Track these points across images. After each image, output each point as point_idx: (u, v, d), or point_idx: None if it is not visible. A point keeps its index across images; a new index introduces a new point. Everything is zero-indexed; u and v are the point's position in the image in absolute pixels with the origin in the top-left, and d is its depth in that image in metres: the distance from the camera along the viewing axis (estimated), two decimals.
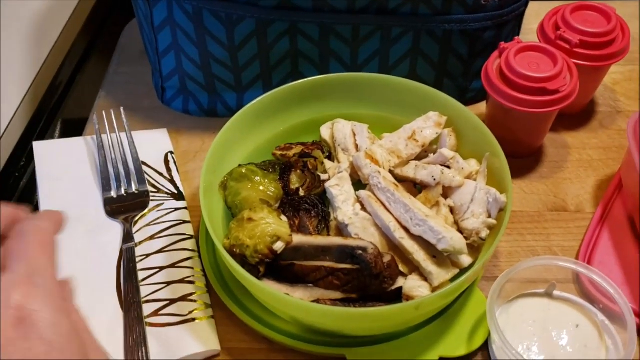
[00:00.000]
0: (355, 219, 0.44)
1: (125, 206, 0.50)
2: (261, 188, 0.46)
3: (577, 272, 0.43)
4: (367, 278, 0.41)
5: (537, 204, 0.50)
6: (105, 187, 0.51)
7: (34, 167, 0.53)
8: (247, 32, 0.50)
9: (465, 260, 0.43)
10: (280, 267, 0.43)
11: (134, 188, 0.51)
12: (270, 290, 0.39)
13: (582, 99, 0.55)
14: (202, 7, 0.48)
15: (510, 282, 0.43)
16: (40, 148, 0.53)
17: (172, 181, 0.53)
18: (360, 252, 0.42)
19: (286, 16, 0.49)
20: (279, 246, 0.43)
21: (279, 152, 0.50)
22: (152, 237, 0.48)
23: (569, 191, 0.51)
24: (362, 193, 0.45)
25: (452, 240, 0.42)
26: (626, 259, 0.46)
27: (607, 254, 0.46)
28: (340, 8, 0.48)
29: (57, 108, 0.61)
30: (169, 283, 0.46)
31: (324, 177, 0.48)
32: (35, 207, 0.51)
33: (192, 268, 0.47)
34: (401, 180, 0.48)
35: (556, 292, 0.43)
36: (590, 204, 0.50)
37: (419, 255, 0.43)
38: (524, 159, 0.53)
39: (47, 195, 0.51)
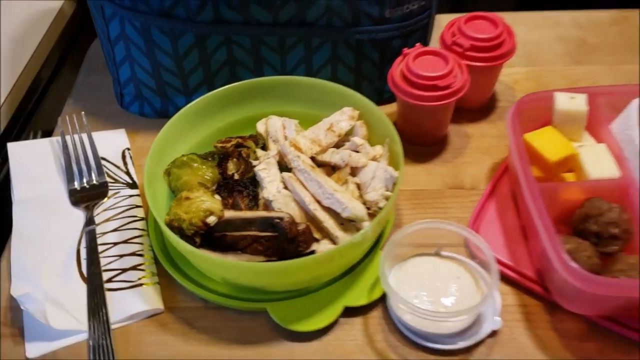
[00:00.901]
0: (278, 195, 0.53)
1: (87, 196, 0.58)
2: (199, 173, 0.55)
3: (459, 234, 0.51)
4: (284, 242, 0.50)
5: (439, 183, 0.59)
6: (69, 180, 0.59)
7: (9, 167, 0.61)
8: (189, 43, 0.58)
9: (367, 226, 0.51)
10: (214, 238, 0.52)
11: (94, 180, 0.59)
12: (200, 254, 0.48)
13: (481, 96, 0.64)
14: (149, 23, 0.57)
15: (405, 246, 0.51)
16: (14, 148, 0.62)
17: (127, 173, 0.61)
18: (277, 220, 0.50)
19: (220, 30, 0.58)
20: (211, 220, 0.51)
21: (219, 145, 0.59)
22: (108, 220, 0.57)
23: (467, 172, 0.60)
24: (285, 174, 0.54)
25: (354, 209, 0.50)
26: (507, 226, 0.54)
27: (491, 223, 0.55)
28: (266, 21, 0.57)
29: (31, 114, 0.69)
30: (121, 256, 0.54)
31: (255, 163, 0.56)
32: (9, 200, 0.59)
33: (141, 244, 0.55)
34: (322, 164, 0.56)
35: (444, 253, 0.52)
36: (484, 183, 0.59)
37: (329, 223, 0.51)
38: (430, 147, 0.62)
39: (20, 189, 0.59)
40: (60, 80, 0.74)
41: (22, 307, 0.49)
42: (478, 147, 0.62)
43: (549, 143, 0.52)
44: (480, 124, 0.64)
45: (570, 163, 0.53)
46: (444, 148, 0.62)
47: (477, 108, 0.65)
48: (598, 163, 0.52)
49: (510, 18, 0.74)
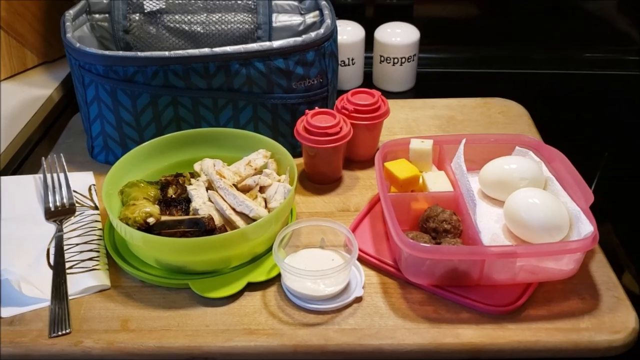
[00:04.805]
0: (204, 206, 0.70)
1: (58, 213, 0.75)
2: (145, 191, 0.73)
3: (337, 230, 0.69)
4: (204, 234, 0.67)
5: (332, 208, 0.77)
6: (46, 202, 0.76)
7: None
8: (145, 102, 0.79)
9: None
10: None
11: (65, 202, 0.77)
12: (140, 233, 0.64)
13: (368, 150, 0.84)
14: (116, 87, 0.78)
15: (297, 244, 0.68)
16: (5, 180, 0.79)
17: (92, 200, 0.78)
18: (200, 218, 0.67)
19: (168, 92, 0.78)
20: (151, 220, 0.68)
21: (163, 178, 0.77)
22: (74, 230, 0.73)
23: (353, 200, 0.78)
24: (210, 192, 0.72)
25: (258, 210, 0.68)
26: (376, 232, 0.72)
27: (365, 230, 0.72)
28: (202, 87, 0.78)
29: (20, 165, 0.88)
30: (81, 252, 0.70)
31: (189, 187, 0.74)
32: None
33: (98, 244, 0.71)
34: (242, 189, 0.75)
35: (327, 247, 0.69)
36: (364, 207, 0.77)
37: (240, 223, 0.69)
38: (329, 184, 0.81)
39: (7, 209, 0.75)
40: (45, 143, 0.93)
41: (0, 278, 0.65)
42: (364, 185, 0.81)
43: (400, 168, 0.72)
44: (368, 170, 0.84)
45: (416, 182, 0.72)
46: (338, 185, 0.81)
47: (365, 160, 0.85)
48: (437, 182, 0.72)
49: (400, 103, 0.97)
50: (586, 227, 0.63)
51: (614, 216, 0.79)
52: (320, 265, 0.65)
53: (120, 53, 0.76)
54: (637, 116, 1.03)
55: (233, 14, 0.89)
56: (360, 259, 0.69)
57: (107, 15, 0.89)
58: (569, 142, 0.86)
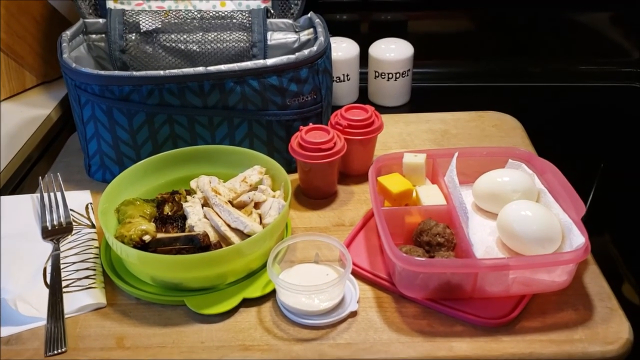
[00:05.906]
0: (199, 222, 0.71)
1: (55, 232, 0.76)
2: (141, 209, 0.73)
3: (331, 245, 0.69)
4: (199, 250, 0.67)
5: (327, 222, 0.78)
6: (43, 221, 0.77)
7: None
8: (141, 121, 0.80)
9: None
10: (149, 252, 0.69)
11: (62, 221, 0.77)
12: (136, 251, 0.65)
13: (363, 165, 0.85)
14: (112, 106, 0.79)
15: (292, 259, 0.69)
16: (4, 200, 0.80)
17: (89, 219, 0.79)
18: (195, 235, 0.68)
19: (164, 110, 0.79)
20: (147, 237, 0.69)
21: (159, 196, 0.77)
22: (71, 248, 0.74)
23: (348, 215, 0.79)
24: (205, 208, 0.72)
25: (252, 226, 0.69)
26: (370, 246, 0.72)
27: (359, 244, 0.73)
28: (198, 105, 0.79)
29: (19, 184, 0.89)
30: (77, 270, 0.70)
31: (185, 204, 0.75)
32: None
33: (94, 263, 0.72)
34: (238, 205, 0.75)
35: (321, 261, 0.69)
36: (359, 221, 0.78)
37: (235, 239, 0.69)
38: (324, 199, 0.81)
39: (5, 228, 0.76)
40: (44, 161, 0.94)
41: None
42: (358, 199, 0.82)
43: (393, 182, 0.72)
44: (362, 185, 0.84)
45: (409, 196, 0.73)
46: (333, 200, 0.82)
47: (360, 174, 0.85)
48: (430, 196, 0.72)
49: (395, 117, 0.98)
50: (578, 239, 0.64)
51: (611, 227, 0.80)
52: (315, 280, 0.66)
53: (115, 73, 0.77)
54: (632, 127, 1.03)
55: (228, 32, 0.90)
56: (355, 274, 0.69)
57: (103, 35, 0.91)
58: (564, 154, 0.86)
